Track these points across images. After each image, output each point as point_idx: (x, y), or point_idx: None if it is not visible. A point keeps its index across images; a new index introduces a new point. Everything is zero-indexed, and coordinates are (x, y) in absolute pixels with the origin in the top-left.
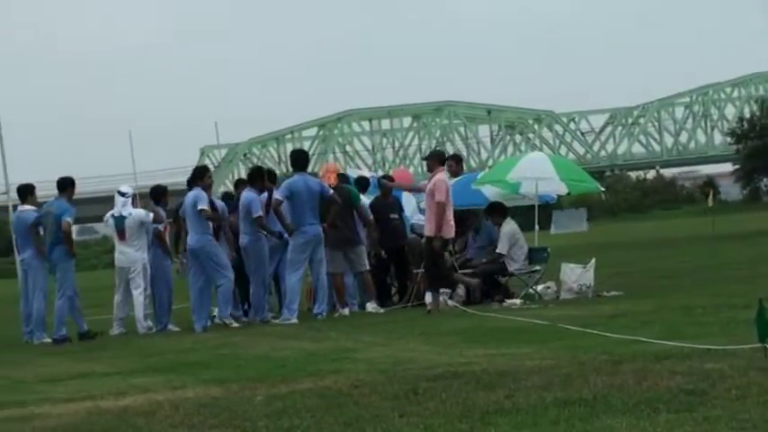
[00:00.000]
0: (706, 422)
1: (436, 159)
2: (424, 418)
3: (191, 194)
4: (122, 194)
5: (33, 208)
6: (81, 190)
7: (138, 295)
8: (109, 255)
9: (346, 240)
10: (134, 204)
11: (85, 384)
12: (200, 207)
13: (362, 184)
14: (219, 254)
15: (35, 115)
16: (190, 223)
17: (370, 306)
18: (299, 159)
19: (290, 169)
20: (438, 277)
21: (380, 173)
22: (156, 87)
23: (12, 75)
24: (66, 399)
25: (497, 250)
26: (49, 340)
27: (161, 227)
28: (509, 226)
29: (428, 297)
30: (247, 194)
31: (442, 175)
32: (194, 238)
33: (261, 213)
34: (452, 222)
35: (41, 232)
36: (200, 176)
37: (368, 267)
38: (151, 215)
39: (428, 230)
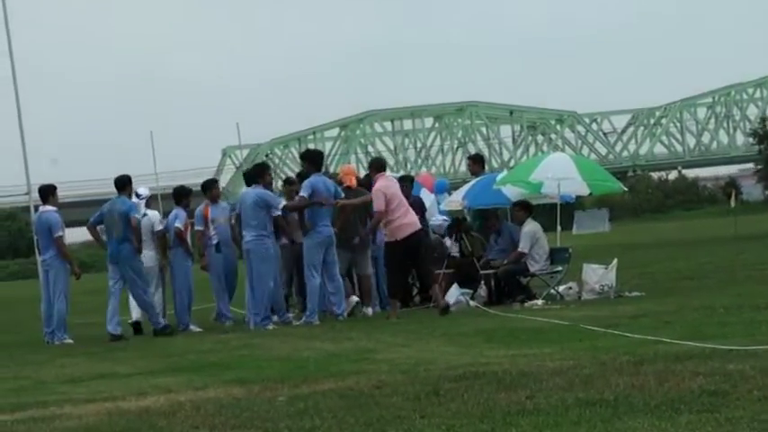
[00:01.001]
0: (728, 423)
1: (374, 168)
2: (445, 419)
3: (252, 192)
4: (138, 196)
5: (55, 209)
6: (103, 190)
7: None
8: None
9: (356, 243)
10: (148, 205)
11: (106, 385)
12: (277, 212)
13: (409, 182)
14: (271, 258)
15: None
16: (246, 221)
17: (367, 311)
18: (318, 160)
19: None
20: (392, 285)
21: (402, 173)
22: (178, 87)
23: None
24: (86, 399)
25: (519, 248)
26: (70, 341)
27: (181, 226)
28: (530, 225)
29: (451, 297)
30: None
31: (379, 183)
32: (250, 237)
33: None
34: (405, 220)
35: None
36: (260, 174)
37: (370, 272)
38: (161, 223)
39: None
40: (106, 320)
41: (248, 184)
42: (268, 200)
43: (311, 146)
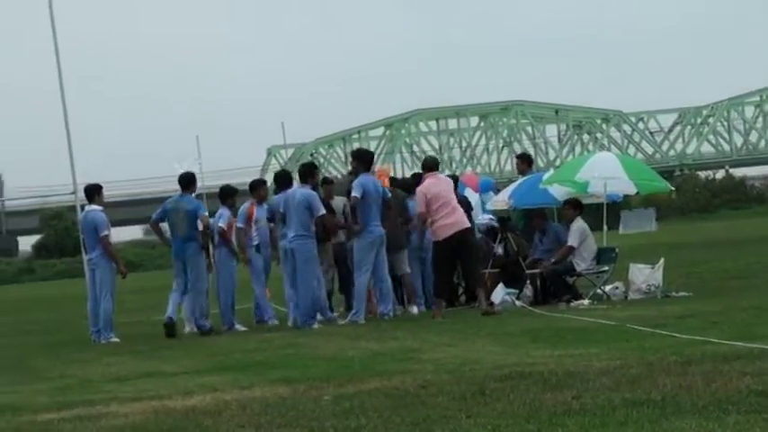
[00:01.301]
0: None
1: (425, 167)
2: (491, 419)
3: (300, 192)
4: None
5: (100, 208)
6: (149, 189)
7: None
8: None
9: (395, 243)
10: None
11: (152, 384)
12: (320, 213)
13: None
14: (314, 258)
15: (102, 115)
16: (291, 219)
17: (412, 309)
18: (368, 159)
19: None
20: (437, 284)
21: (447, 173)
22: (223, 87)
23: (82, 74)
24: (133, 398)
25: (569, 243)
26: (116, 340)
27: (225, 226)
28: (580, 222)
29: (497, 297)
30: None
31: (423, 184)
32: (293, 236)
33: (324, 211)
34: (449, 220)
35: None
36: (310, 174)
37: (407, 270)
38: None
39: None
40: (196, 316)
41: (301, 183)
42: (312, 202)
43: (356, 145)
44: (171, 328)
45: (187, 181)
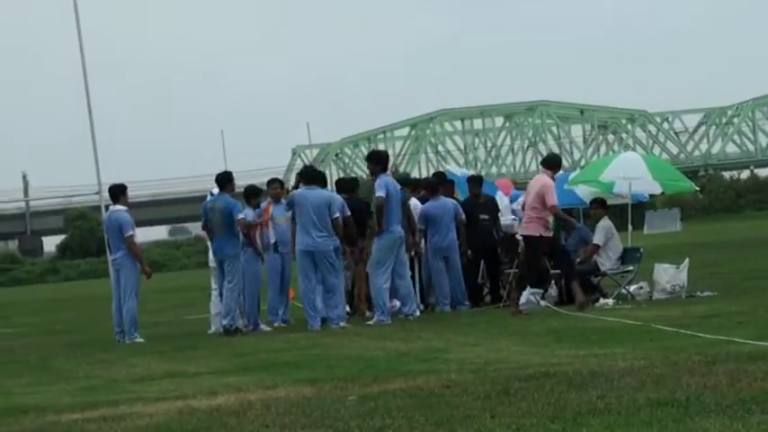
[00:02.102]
0: None
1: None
2: (515, 419)
3: (327, 195)
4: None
5: (125, 208)
6: (174, 189)
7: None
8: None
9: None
10: None
11: (177, 384)
12: (337, 215)
13: (477, 182)
14: (336, 257)
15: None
16: (313, 220)
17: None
18: (384, 160)
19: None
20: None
21: (472, 172)
22: (248, 87)
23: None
24: (157, 398)
25: (594, 241)
26: (141, 340)
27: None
28: (605, 222)
29: (522, 298)
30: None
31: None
32: (318, 237)
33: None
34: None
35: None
36: (323, 178)
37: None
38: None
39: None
40: (221, 315)
41: (306, 184)
42: (333, 202)
43: (381, 146)
44: (233, 332)
45: (223, 180)
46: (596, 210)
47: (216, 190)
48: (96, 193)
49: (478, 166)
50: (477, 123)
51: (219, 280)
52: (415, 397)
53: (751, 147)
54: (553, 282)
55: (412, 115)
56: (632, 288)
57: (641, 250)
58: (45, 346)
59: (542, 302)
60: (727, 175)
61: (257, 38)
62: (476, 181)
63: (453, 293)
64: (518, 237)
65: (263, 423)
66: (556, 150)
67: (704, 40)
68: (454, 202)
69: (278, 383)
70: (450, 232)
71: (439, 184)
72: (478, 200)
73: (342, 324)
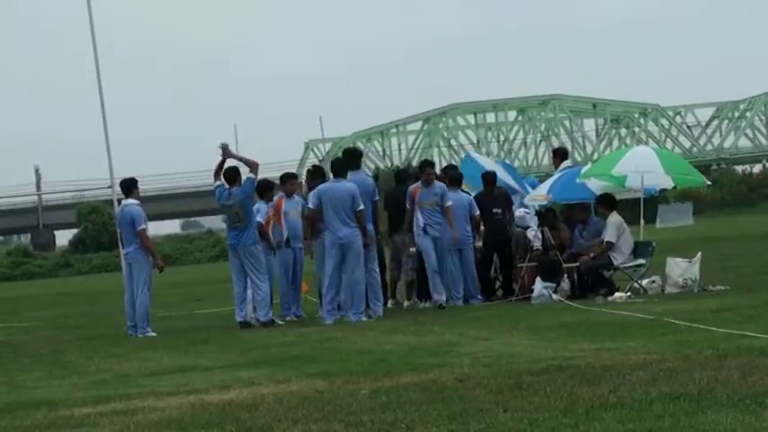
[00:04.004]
0: None
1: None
2: (528, 413)
3: (347, 185)
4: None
5: (137, 202)
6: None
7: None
8: (212, 248)
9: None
10: None
11: (189, 378)
12: (361, 208)
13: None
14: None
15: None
16: (342, 213)
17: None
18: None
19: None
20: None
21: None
22: (262, 82)
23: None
24: (169, 392)
25: (606, 239)
26: (153, 334)
27: (263, 221)
28: (615, 217)
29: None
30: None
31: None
32: (348, 230)
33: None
34: None
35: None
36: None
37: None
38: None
39: None
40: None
41: (336, 176)
42: (356, 195)
43: (394, 140)
44: (246, 325)
45: (231, 176)
46: (602, 210)
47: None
48: (109, 187)
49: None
50: (490, 117)
51: (238, 275)
52: (427, 391)
53: (764, 140)
54: (565, 275)
55: (425, 109)
56: (645, 282)
57: (653, 244)
58: (57, 340)
59: (555, 296)
60: (739, 168)
61: (270, 32)
62: (491, 175)
63: (466, 287)
64: (530, 231)
65: (275, 417)
66: (568, 144)
67: (717, 34)
68: (469, 197)
69: (290, 377)
70: (464, 226)
71: (461, 178)
72: (492, 194)
73: (363, 318)
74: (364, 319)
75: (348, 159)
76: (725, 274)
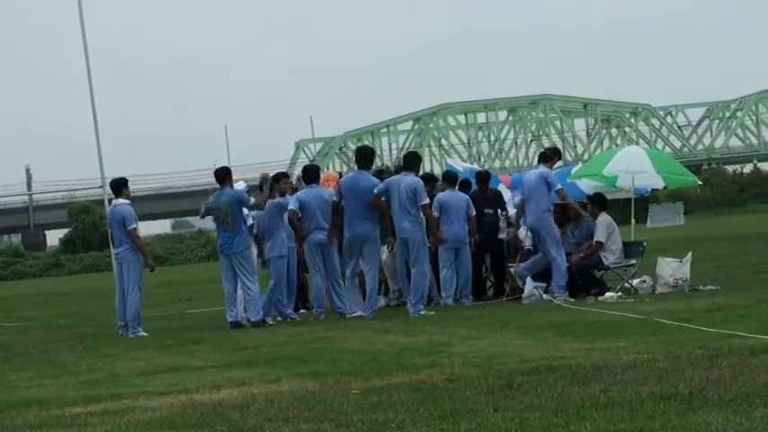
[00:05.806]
0: None
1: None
2: (518, 413)
3: (406, 179)
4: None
5: (127, 202)
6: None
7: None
8: (203, 248)
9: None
10: None
11: (180, 378)
12: (425, 201)
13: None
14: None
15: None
16: (403, 208)
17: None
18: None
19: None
20: None
21: (475, 166)
22: (252, 81)
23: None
24: (160, 392)
25: (596, 239)
26: (144, 333)
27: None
28: (604, 217)
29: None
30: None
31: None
32: (409, 224)
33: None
34: None
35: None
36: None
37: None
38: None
39: None
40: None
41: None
42: (420, 190)
43: (384, 139)
44: (237, 325)
45: (222, 176)
46: (593, 209)
47: (239, 184)
48: (100, 187)
49: (482, 159)
50: (481, 117)
51: (228, 275)
52: (418, 391)
53: (754, 140)
54: None
55: (415, 109)
56: (635, 282)
57: (644, 244)
58: (48, 339)
59: (545, 296)
60: (730, 168)
61: (261, 32)
62: (485, 176)
63: (458, 287)
64: (521, 231)
65: (266, 417)
66: (559, 144)
67: (707, 34)
68: (466, 196)
69: (281, 377)
70: (460, 225)
71: (456, 178)
72: (484, 194)
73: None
74: (423, 312)
75: (371, 156)
76: (716, 273)
